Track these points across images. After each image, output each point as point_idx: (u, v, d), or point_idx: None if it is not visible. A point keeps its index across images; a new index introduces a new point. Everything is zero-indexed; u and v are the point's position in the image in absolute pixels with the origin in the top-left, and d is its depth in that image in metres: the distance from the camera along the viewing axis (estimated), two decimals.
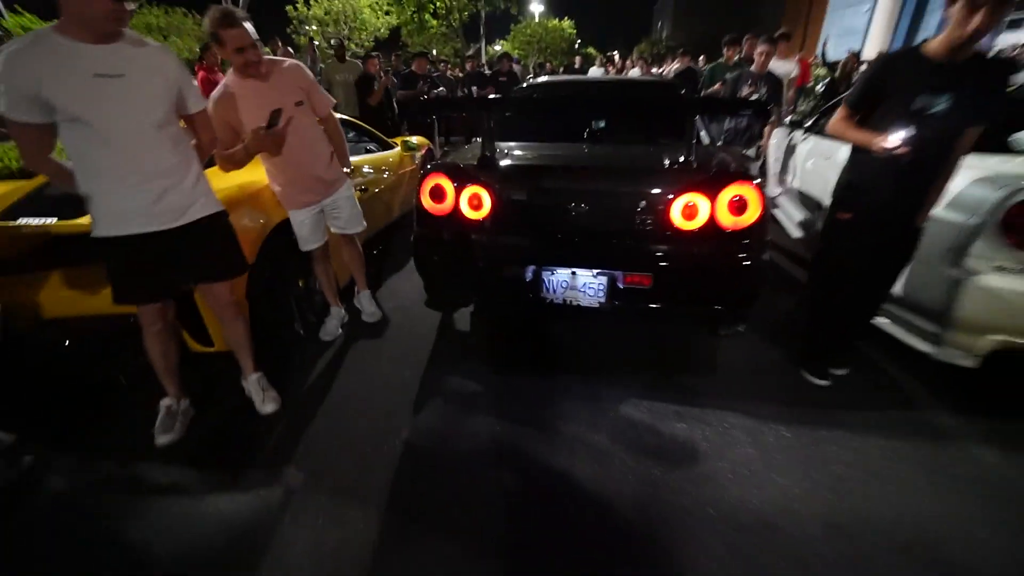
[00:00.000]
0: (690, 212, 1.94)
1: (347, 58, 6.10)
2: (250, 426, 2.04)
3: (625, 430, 1.97)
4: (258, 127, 1.90)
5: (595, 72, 11.47)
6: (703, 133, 2.84)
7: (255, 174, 2.35)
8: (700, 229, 1.95)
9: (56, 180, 1.62)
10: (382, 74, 5.93)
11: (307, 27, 19.94)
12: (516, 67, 12.36)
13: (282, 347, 2.50)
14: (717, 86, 4.30)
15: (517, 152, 2.34)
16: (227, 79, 2.10)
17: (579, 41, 39.08)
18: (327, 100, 2.31)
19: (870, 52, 16.84)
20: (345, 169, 2.48)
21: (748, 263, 1.97)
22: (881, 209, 1.90)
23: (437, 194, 2.16)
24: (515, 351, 2.57)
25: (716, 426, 1.99)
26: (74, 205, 1.80)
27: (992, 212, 1.79)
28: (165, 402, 1.97)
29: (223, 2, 7.10)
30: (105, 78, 1.48)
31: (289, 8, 19.52)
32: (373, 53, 6.35)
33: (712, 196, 1.92)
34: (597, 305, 2.08)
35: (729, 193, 1.92)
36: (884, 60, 1.87)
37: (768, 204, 1.99)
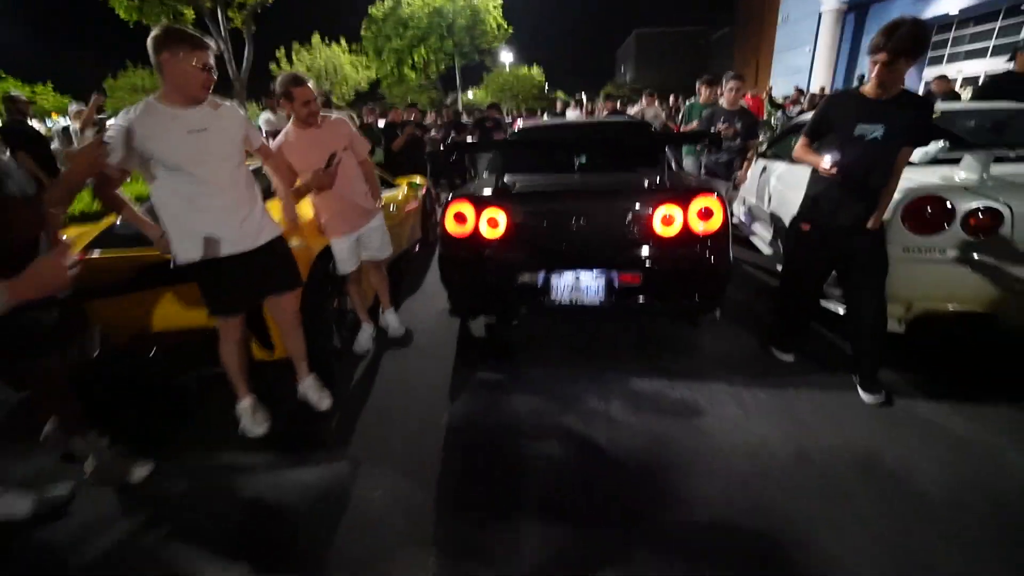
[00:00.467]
0: (668, 220, 2.42)
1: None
2: (311, 420, 2.37)
3: (629, 402, 2.37)
4: (319, 168, 2.34)
5: (571, 114, 12.40)
6: (674, 162, 3.38)
7: (302, 209, 2.76)
8: (677, 234, 2.42)
9: (116, 208, 1.99)
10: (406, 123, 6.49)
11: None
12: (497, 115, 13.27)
13: (324, 358, 2.83)
14: (694, 124, 4.52)
15: (524, 181, 2.81)
16: (287, 130, 2.55)
17: (547, 86, 41.25)
18: (365, 145, 2.78)
19: (815, 87, 18.49)
20: (378, 203, 2.91)
21: (716, 258, 2.44)
22: (833, 218, 2.24)
23: (460, 218, 2.60)
24: (525, 349, 2.96)
25: (704, 393, 2.40)
26: (138, 239, 2.22)
27: (895, 209, 2.30)
28: (246, 401, 2.28)
29: (223, 49, 7.62)
30: (195, 133, 1.90)
31: (273, 66, 20.47)
32: (394, 105, 7.00)
33: (684, 207, 2.41)
34: (598, 303, 2.51)
35: (698, 204, 2.41)
36: (831, 98, 2.35)
37: (728, 213, 2.48)
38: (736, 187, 4.10)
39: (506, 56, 33.11)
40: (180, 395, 2.57)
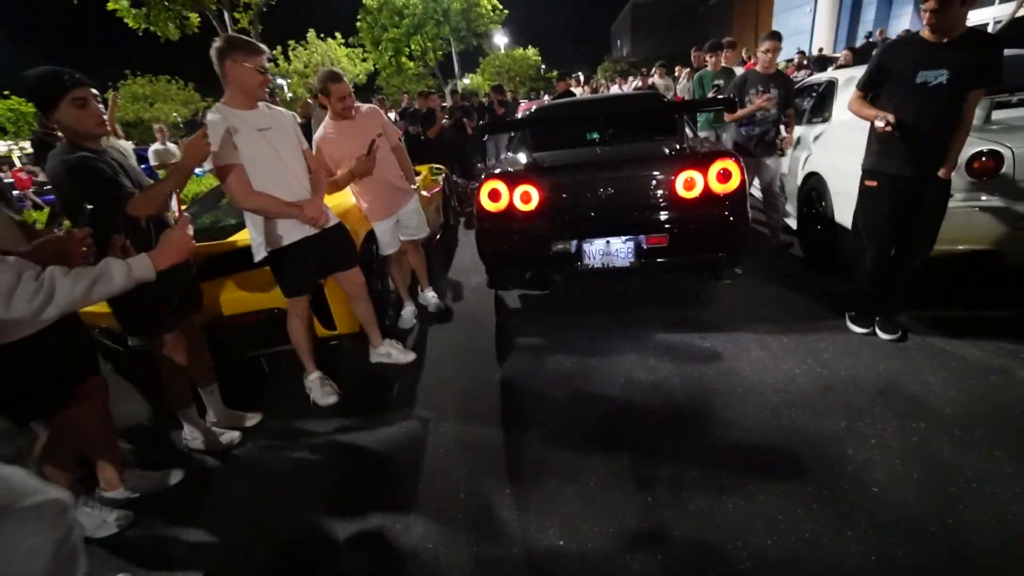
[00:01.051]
0: (689, 184, 2.59)
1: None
2: (375, 390, 2.61)
3: (664, 352, 2.58)
4: (360, 155, 2.55)
5: (581, 93, 12.44)
6: (689, 130, 3.52)
7: (343, 197, 2.96)
8: (698, 196, 2.60)
9: (264, 207, 2.17)
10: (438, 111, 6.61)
11: (283, 82, 20.92)
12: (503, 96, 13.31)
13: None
14: (711, 94, 4.24)
15: (552, 157, 2.99)
16: (325, 124, 2.76)
17: (543, 66, 40.79)
18: (396, 132, 2.97)
19: (817, 48, 18.22)
20: (413, 186, 3.11)
21: (736, 217, 2.63)
22: (902, 170, 2.17)
23: (494, 196, 2.79)
24: (561, 315, 3.17)
25: (732, 342, 2.60)
26: (211, 231, 2.44)
27: None
28: (314, 375, 2.53)
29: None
30: (263, 131, 2.12)
31: (270, 65, 20.50)
32: (432, 91, 7.18)
33: (704, 170, 2.58)
34: (628, 265, 2.71)
35: (717, 166, 2.59)
36: (887, 46, 2.26)
37: (745, 174, 2.65)
38: (783, 152, 3.62)
39: (501, 39, 32.82)
40: (253, 373, 2.82)
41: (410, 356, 2.81)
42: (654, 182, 2.64)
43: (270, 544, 1.75)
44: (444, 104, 6.38)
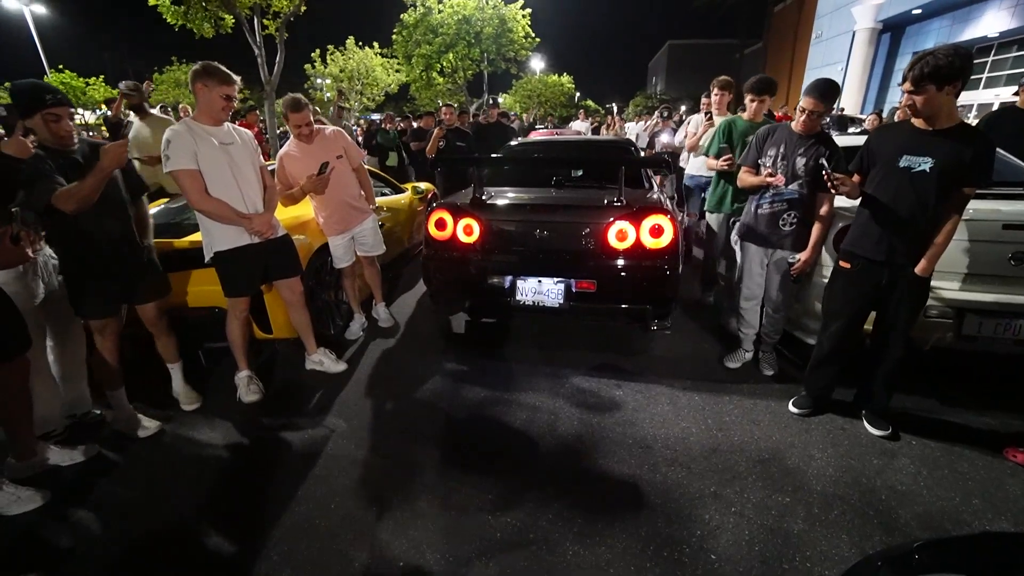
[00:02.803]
0: (622, 235, 2.70)
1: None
2: (299, 393, 2.74)
3: (575, 395, 2.66)
4: (311, 174, 2.73)
5: (578, 125, 12.67)
6: (657, 183, 3.62)
7: (304, 209, 3.14)
8: (629, 248, 2.71)
9: (215, 212, 2.35)
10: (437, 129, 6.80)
11: (322, 81, 21.67)
12: (516, 122, 13.63)
13: (319, 342, 3.21)
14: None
15: (499, 193, 3.14)
16: (288, 143, 2.97)
17: (578, 94, 41.46)
18: (359, 155, 3.15)
19: (846, 107, 18.30)
20: (371, 206, 3.28)
21: (665, 273, 2.72)
22: (874, 254, 2.11)
23: (440, 224, 2.94)
24: (498, 344, 3.27)
25: (644, 393, 2.67)
26: (172, 230, 2.63)
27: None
28: (243, 373, 2.67)
29: (258, 54, 8.15)
30: (225, 145, 2.32)
31: (307, 66, 21.31)
32: (432, 112, 7.52)
33: (637, 224, 2.69)
34: (557, 305, 2.81)
35: (650, 221, 2.69)
36: (876, 129, 2.21)
37: (679, 230, 2.75)
38: (796, 279, 2.62)
39: (537, 63, 33.57)
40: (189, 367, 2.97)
41: (341, 367, 2.94)
42: (588, 229, 2.75)
43: (129, 536, 1.85)
44: (441, 120, 6.22)
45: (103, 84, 23.32)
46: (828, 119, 11.58)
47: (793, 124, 2.53)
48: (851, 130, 8.98)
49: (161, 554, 1.76)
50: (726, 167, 3.06)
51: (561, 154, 4.02)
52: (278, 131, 8.42)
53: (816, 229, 2.50)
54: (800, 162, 2.46)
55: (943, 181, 1.92)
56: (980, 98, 16.11)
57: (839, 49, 21.15)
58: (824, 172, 2.13)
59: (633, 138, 12.07)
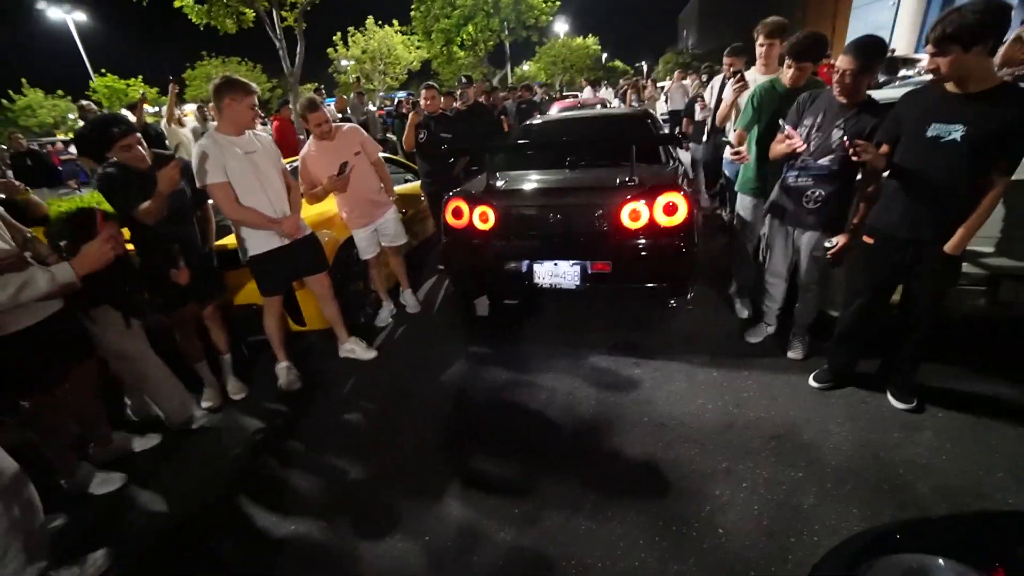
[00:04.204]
0: (635, 215, 2.70)
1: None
2: (338, 376, 2.94)
3: (592, 374, 2.74)
4: (332, 175, 2.85)
5: (585, 94, 12.24)
6: (675, 154, 3.50)
7: (328, 206, 3.28)
8: (643, 227, 2.71)
9: (247, 220, 2.54)
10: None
11: (346, 64, 21.77)
12: (539, 91, 13.33)
13: (351, 330, 3.40)
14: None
15: (512, 179, 3.17)
16: (308, 143, 3.08)
17: (604, 55, 39.87)
18: (376, 149, 3.24)
19: (899, 47, 16.84)
20: (391, 197, 3.38)
21: (681, 251, 2.71)
22: (897, 230, 1.99)
23: (457, 213, 3.01)
24: (519, 326, 3.37)
25: (662, 370, 2.71)
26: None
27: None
28: (283, 364, 2.89)
29: (279, 46, 8.27)
30: (250, 154, 2.46)
31: (330, 50, 21.45)
32: (448, 91, 6.84)
33: (650, 202, 2.68)
34: (574, 287, 2.86)
35: (664, 199, 2.67)
36: (906, 94, 1.98)
37: (694, 206, 2.71)
38: (834, 261, 2.31)
39: (560, 27, 32.40)
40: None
41: (371, 354, 3.11)
42: (600, 211, 2.76)
43: (163, 518, 2.10)
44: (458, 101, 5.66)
45: (143, 84, 24.20)
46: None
47: (838, 90, 2.17)
48: (903, 72, 7.87)
49: (208, 530, 1.99)
50: (736, 159, 2.78)
51: (569, 136, 3.97)
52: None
53: (860, 208, 2.22)
54: (836, 135, 2.17)
55: (977, 152, 1.73)
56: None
57: None
58: (844, 139, 2.04)
59: (665, 101, 11.61)
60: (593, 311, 3.46)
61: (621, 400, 2.51)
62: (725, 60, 3.63)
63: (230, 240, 2.78)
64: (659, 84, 15.20)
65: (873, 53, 2.08)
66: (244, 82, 2.42)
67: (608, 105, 12.23)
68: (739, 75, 3.10)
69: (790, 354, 2.73)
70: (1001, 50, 2.69)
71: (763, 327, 2.93)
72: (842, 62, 2.10)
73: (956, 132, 1.77)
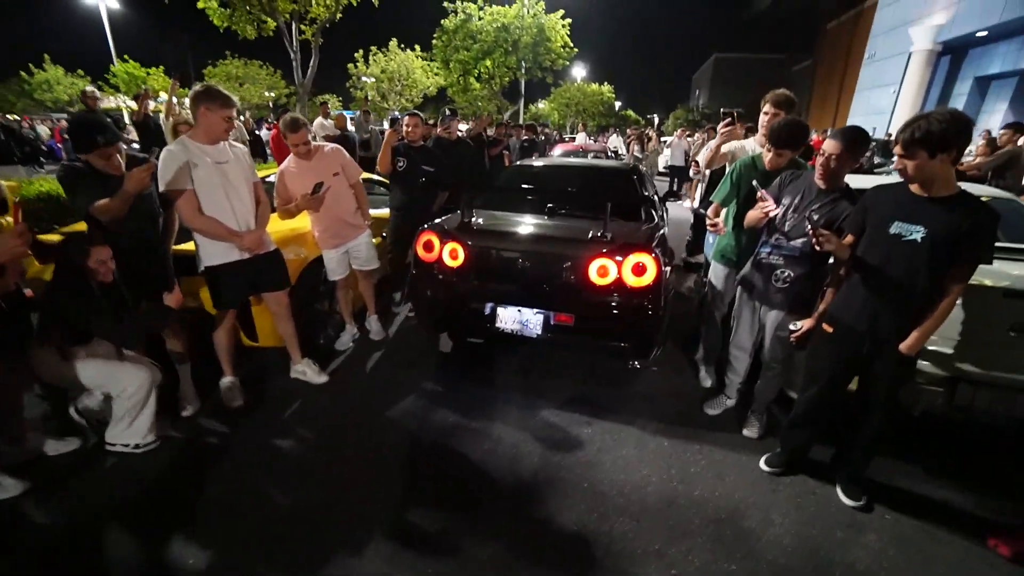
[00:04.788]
0: (604, 271, 2.67)
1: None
2: (285, 398, 2.83)
3: (543, 430, 2.65)
4: (306, 193, 2.82)
5: (579, 139, 12.53)
6: (655, 212, 3.49)
7: (301, 222, 3.24)
8: (609, 285, 2.68)
9: (207, 230, 2.49)
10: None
11: (366, 79, 22.25)
12: (545, 131, 13.63)
13: (309, 350, 3.30)
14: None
15: (488, 219, 3.15)
16: (288, 160, 3.07)
17: (618, 104, 41.11)
18: (357, 172, 3.23)
19: (896, 131, 17.47)
20: (366, 221, 3.35)
21: (647, 313, 2.67)
22: (857, 322, 1.99)
23: (428, 247, 2.98)
24: (479, 367, 3.29)
25: (614, 433, 2.63)
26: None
27: None
28: (227, 379, 2.79)
29: (294, 57, 8.42)
30: (221, 164, 2.43)
31: (350, 66, 21.96)
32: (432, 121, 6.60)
33: (619, 261, 2.65)
34: (535, 335, 2.80)
35: (633, 259, 2.65)
36: (874, 187, 2.01)
37: (662, 269, 2.69)
38: (798, 345, 2.29)
39: (578, 71, 33.51)
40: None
41: (323, 378, 3.01)
42: (570, 263, 2.74)
43: (49, 533, 1.96)
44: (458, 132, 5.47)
45: (163, 74, 24.58)
46: (869, 152, 10.88)
47: (818, 175, 2.19)
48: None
49: (95, 553, 1.85)
50: (713, 230, 2.74)
51: (552, 183, 4.00)
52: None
53: (828, 294, 2.20)
54: (813, 218, 2.15)
55: (936, 253, 1.76)
56: None
57: (893, 70, 20.24)
58: (809, 226, 2.04)
59: (668, 155, 11.89)
60: (556, 358, 3.39)
61: (565, 460, 2.41)
62: (721, 128, 3.40)
63: (190, 246, 2.71)
64: (663, 139, 15.62)
65: (858, 142, 2.13)
66: (223, 94, 2.41)
67: (614, 152, 12.50)
68: (729, 120, 3.06)
69: (746, 432, 2.67)
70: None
71: (723, 399, 2.87)
72: (828, 146, 2.15)
73: (917, 233, 1.79)
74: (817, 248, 1.99)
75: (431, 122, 8.23)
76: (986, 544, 2.00)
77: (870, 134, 2.28)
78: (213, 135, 2.44)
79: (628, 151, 12.45)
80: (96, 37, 24.65)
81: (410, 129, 3.84)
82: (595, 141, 15.54)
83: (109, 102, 24.07)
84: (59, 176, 2.33)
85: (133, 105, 6.60)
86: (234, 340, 2.82)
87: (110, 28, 24.66)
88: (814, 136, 7.89)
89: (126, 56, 23.77)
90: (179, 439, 2.50)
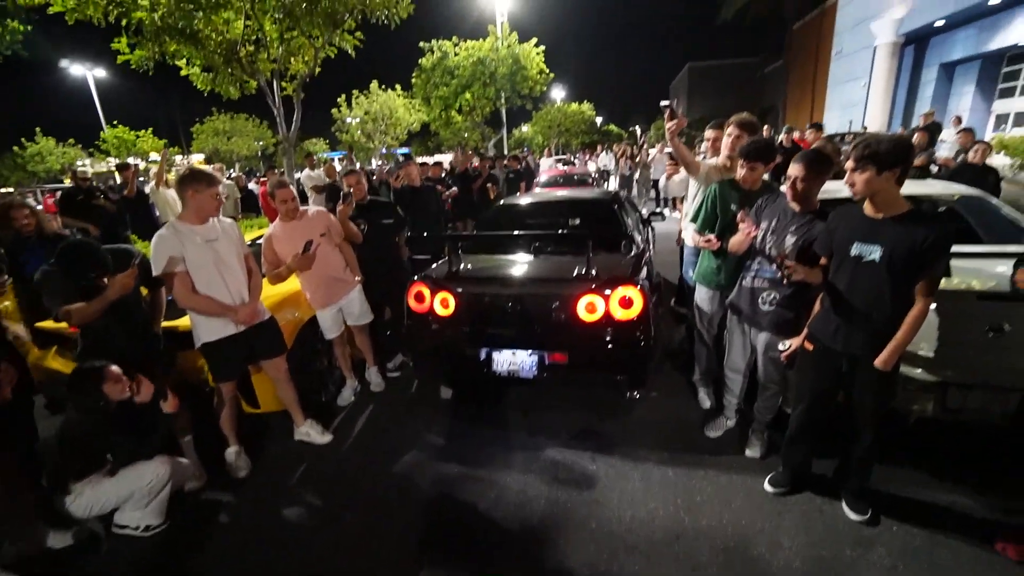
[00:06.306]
0: (591, 308, 2.74)
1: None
2: (290, 462, 2.85)
3: (548, 470, 2.67)
4: (297, 253, 2.90)
5: (545, 163, 12.56)
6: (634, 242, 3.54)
7: (292, 284, 3.31)
8: (599, 320, 2.73)
9: (201, 308, 2.55)
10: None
11: (350, 121, 22.72)
12: (528, 157, 13.84)
13: (311, 409, 3.33)
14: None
15: (475, 265, 3.23)
16: (273, 225, 3.17)
17: (599, 119, 41.78)
18: (340, 232, 3.32)
19: (870, 123, 17.84)
20: (356, 277, 3.43)
21: (638, 344, 2.73)
22: (832, 341, 2.05)
23: (419, 297, 3.05)
24: (481, 410, 3.32)
25: (617, 467, 2.65)
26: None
27: None
28: (232, 449, 2.82)
29: (277, 113, 8.63)
30: (211, 242, 2.51)
31: (334, 111, 22.45)
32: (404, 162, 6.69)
33: (606, 297, 2.72)
34: (532, 376, 2.85)
35: (619, 294, 2.72)
36: (839, 209, 2.07)
37: (649, 300, 2.75)
38: (788, 364, 2.37)
39: (557, 93, 34.22)
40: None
41: (327, 438, 3.04)
42: (558, 303, 2.80)
43: None
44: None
45: (151, 136, 25.08)
46: (847, 144, 11.07)
47: (790, 196, 2.26)
48: None
49: None
50: (706, 246, 2.70)
51: (533, 222, 4.08)
52: (298, 175, 8.86)
53: (814, 312, 2.22)
54: (789, 241, 2.22)
55: (895, 271, 1.83)
56: (1018, 107, 15.47)
57: (861, 64, 20.70)
58: (776, 256, 2.12)
59: (652, 170, 12.00)
60: (557, 395, 3.42)
61: (572, 500, 2.43)
62: (708, 134, 3.42)
63: (183, 321, 2.78)
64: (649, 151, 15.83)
65: (820, 164, 2.20)
66: (208, 174, 2.52)
67: (601, 173, 12.67)
68: (670, 112, 2.89)
69: (748, 452, 2.69)
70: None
71: (723, 420, 2.90)
72: (792, 169, 2.22)
73: (875, 253, 1.87)
74: (785, 281, 2.06)
75: (423, 162, 8.43)
76: (993, 548, 2.01)
77: (831, 156, 2.37)
78: (204, 214, 2.53)
79: (617, 169, 12.59)
80: (84, 106, 25.31)
81: (353, 187, 3.64)
82: (577, 160, 15.74)
83: (100, 166, 24.55)
84: (36, 280, 2.34)
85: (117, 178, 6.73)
86: (236, 410, 2.86)
87: (98, 95, 25.40)
88: (796, 135, 7.95)
89: (115, 121, 24.29)
90: (187, 517, 2.51)
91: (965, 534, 2.09)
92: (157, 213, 6.52)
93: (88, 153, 25.95)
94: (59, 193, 6.93)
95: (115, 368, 2.21)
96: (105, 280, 2.31)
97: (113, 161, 22.72)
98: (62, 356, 3.21)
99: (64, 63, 25.32)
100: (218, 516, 2.52)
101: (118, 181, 7.27)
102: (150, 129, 25.67)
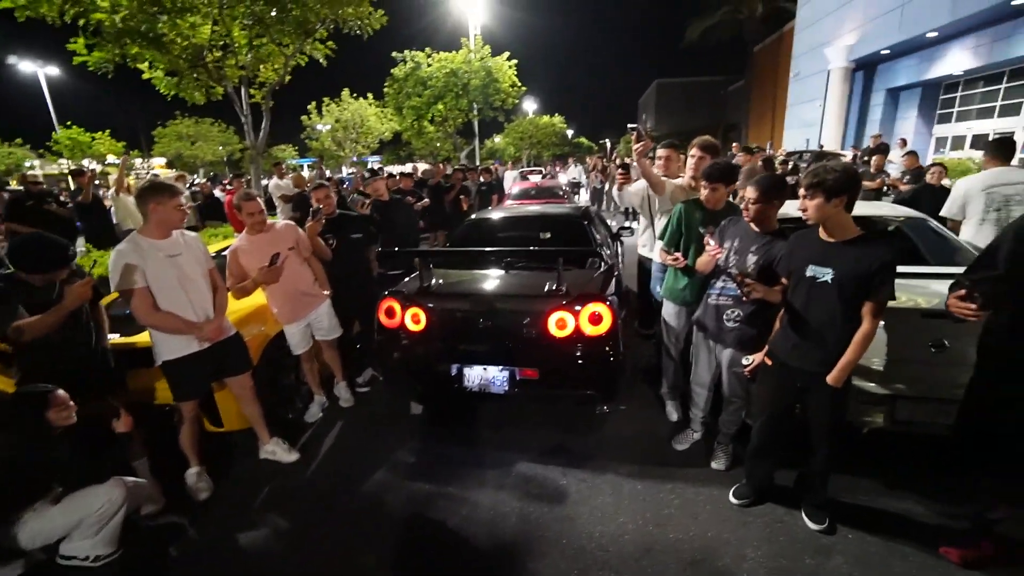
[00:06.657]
0: (561, 324, 2.77)
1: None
2: (255, 481, 2.75)
3: (518, 484, 2.68)
4: (263, 266, 2.84)
5: (509, 176, 12.68)
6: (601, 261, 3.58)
7: (259, 299, 3.23)
8: (569, 336, 2.77)
9: (164, 326, 2.45)
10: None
11: (321, 128, 22.38)
12: (500, 168, 13.95)
13: (278, 426, 3.23)
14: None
15: (446, 280, 3.23)
16: (240, 237, 3.09)
17: (570, 132, 42.49)
18: (308, 245, 3.26)
19: (827, 142, 18.81)
20: (325, 291, 3.37)
21: (608, 359, 2.78)
22: (788, 357, 2.15)
23: (389, 313, 3.03)
24: (452, 426, 3.30)
25: (588, 481, 2.68)
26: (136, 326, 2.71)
27: None
28: (193, 470, 2.71)
29: (244, 120, 8.44)
30: (174, 257, 2.43)
31: (304, 117, 22.09)
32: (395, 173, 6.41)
33: (576, 313, 2.76)
34: (503, 392, 2.86)
35: (589, 309, 2.77)
36: (798, 232, 2.18)
37: (617, 316, 2.82)
38: (752, 379, 2.44)
39: (529, 105, 34.66)
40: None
41: (293, 456, 2.95)
42: (528, 319, 2.83)
43: None
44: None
45: (109, 138, 24.03)
46: (805, 162, 11.53)
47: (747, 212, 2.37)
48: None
49: None
50: (673, 263, 2.75)
51: (503, 238, 4.10)
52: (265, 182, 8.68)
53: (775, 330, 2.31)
54: (751, 260, 2.33)
55: (845, 293, 1.94)
56: (954, 131, 16.60)
57: (816, 86, 21.82)
58: (737, 275, 2.21)
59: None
60: (528, 410, 3.43)
61: (544, 517, 2.44)
62: (660, 153, 3.42)
63: (142, 338, 2.67)
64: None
65: (772, 188, 2.32)
66: (170, 185, 2.44)
67: (571, 187, 12.86)
68: (638, 134, 3.09)
69: (713, 464, 2.76)
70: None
71: (690, 433, 2.97)
72: (747, 191, 2.34)
73: (827, 275, 1.98)
74: (745, 299, 2.16)
75: (392, 174, 8.40)
76: (940, 554, 2.12)
77: (785, 181, 2.51)
78: (168, 226, 2.45)
79: (589, 182, 12.80)
80: (34, 105, 24.07)
81: (323, 203, 3.57)
82: (548, 172, 15.92)
83: (51, 168, 23.31)
84: None
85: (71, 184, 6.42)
86: (198, 429, 2.76)
87: (50, 95, 24.17)
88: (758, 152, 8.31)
89: (69, 122, 23.16)
90: (141, 544, 2.39)
91: (916, 540, 2.20)
92: (116, 220, 6.24)
93: (38, 154, 24.63)
94: (5, 196, 6.53)
95: (62, 393, 2.07)
96: (64, 274, 2.23)
97: (65, 163, 21.65)
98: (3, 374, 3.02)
99: (12, 59, 24.06)
100: (176, 542, 2.41)
101: (72, 187, 6.91)
102: (107, 131, 24.60)
